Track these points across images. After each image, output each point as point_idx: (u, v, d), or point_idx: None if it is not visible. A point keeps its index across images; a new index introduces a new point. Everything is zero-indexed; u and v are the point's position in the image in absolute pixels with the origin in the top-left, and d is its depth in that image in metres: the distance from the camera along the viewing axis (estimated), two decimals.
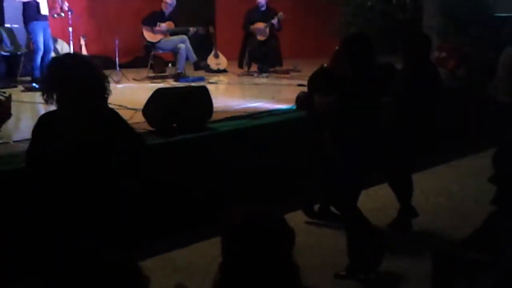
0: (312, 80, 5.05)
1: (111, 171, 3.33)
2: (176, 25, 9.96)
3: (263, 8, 10.44)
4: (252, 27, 10.38)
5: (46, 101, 3.30)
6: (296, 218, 5.46)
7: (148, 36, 9.85)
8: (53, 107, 3.38)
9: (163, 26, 9.82)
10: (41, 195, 3.29)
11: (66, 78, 3.21)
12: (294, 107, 6.81)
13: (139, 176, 3.62)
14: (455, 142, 7.46)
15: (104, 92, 3.31)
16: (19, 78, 9.08)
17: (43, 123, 3.37)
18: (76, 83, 3.19)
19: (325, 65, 5.18)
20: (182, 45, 9.68)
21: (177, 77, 9.55)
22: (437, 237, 5.31)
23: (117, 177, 3.37)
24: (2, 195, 4.30)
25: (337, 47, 5.05)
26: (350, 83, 4.37)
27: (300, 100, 6.83)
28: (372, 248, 4.60)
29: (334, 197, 4.70)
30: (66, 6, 8.85)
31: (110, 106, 3.58)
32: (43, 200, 3.28)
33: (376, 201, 6.04)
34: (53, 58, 3.71)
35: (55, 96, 3.25)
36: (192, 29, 9.96)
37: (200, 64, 10.21)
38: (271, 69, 10.39)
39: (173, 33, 9.90)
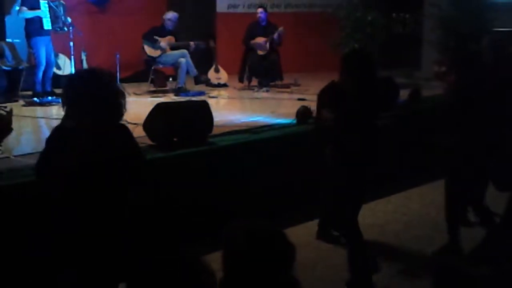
0: (321, 95, 5.06)
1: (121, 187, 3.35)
2: (176, 40, 10.01)
3: (264, 23, 10.49)
4: (252, 41, 10.43)
5: (66, 115, 3.32)
6: (297, 233, 5.46)
7: (149, 50, 9.89)
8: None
9: (163, 43, 9.84)
10: (54, 205, 3.28)
11: (83, 93, 3.23)
12: (294, 121, 6.82)
13: (140, 192, 3.62)
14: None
15: (119, 108, 3.33)
16: (20, 93, 9.11)
17: (58, 135, 3.38)
18: (92, 98, 3.21)
19: (335, 80, 5.19)
20: (182, 60, 9.71)
21: (178, 91, 9.58)
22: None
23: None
24: (2, 209, 4.29)
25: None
26: (349, 98, 4.39)
27: (300, 114, 6.86)
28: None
29: (335, 212, 4.69)
30: (68, 21, 8.89)
31: None
32: (56, 210, 3.28)
33: (376, 216, 6.04)
34: (73, 73, 3.74)
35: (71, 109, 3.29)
36: (192, 44, 10.00)
37: (201, 78, 10.25)
38: (272, 84, 10.41)
39: (174, 48, 9.94)
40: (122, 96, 3.36)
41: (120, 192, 3.35)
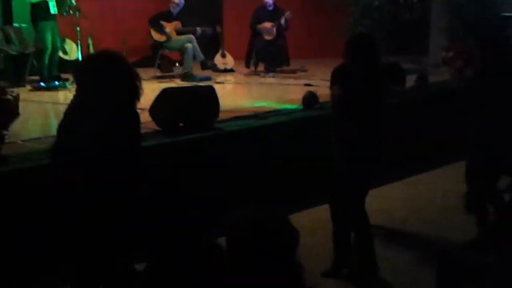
0: (332, 75, 5.06)
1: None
2: (183, 25, 9.99)
3: (271, 8, 10.44)
4: (259, 26, 10.39)
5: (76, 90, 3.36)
6: (303, 219, 5.47)
7: (155, 35, 9.87)
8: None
9: (169, 29, 9.81)
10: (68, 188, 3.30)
11: (103, 76, 3.25)
12: (301, 107, 6.81)
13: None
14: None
15: (137, 90, 3.35)
16: (27, 78, 9.12)
17: (69, 118, 3.39)
18: (112, 81, 3.23)
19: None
20: (189, 45, 9.69)
21: (184, 76, 9.57)
22: (442, 239, 5.30)
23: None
24: (9, 194, 4.31)
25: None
26: (352, 82, 4.37)
27: (307, 99, 6.84)
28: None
29: (340, 198, 4.69)
30: (74, 4, 8.88)
31: None
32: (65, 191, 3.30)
33: (382, 202, 6.04)
34: (90, 56, 3.75)
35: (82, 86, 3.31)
36: (199, 29, 9.97)
37: (207, 64, 10.23)
38: (278, 69, 10.39)
39: (180, 33, 9.92)
40: (138, 78, 3.37)
41: (124, 175, 3.36)
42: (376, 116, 4.45)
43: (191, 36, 9.83)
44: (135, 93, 3.35)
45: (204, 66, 10.15)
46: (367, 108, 4.36)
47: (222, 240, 2.07)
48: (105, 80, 3.23)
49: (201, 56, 9.90)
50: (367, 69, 4.34)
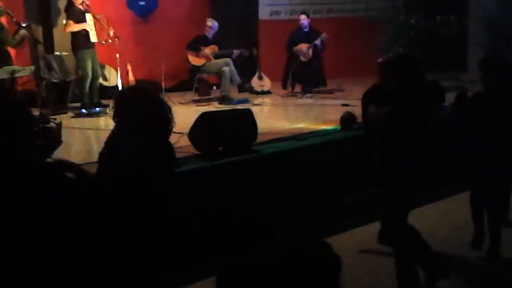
0: (365, 97, 5.06)
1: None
2: (219, 48, 10.09)
3: (306, 29, 10.49)
4: (295, 48, 10.43)
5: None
6: (343, 241, 5.44)
7: (193, 60, 9.99)
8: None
9: (207, 50, 9.96)
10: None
11: (131, 111, 3.38)
12: (339, 128, 6.80)
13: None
14: None
15: (166, 126, 3.43)
16: (68, 105, 9.31)
17: (108, 147, 3.53)
18: (140, 117, 3.34)
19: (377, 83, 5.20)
20: (226, 68, 9.78)
21: (222, 99, 9.64)
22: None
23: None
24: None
25: (379, 60, 5.16)
26: (398, 102, 4.36)
27: (345, 120, 6.83)
28: (425, 270, 4.54)
29: (385, 218, 4.65)
30: (112, 32, 9.06)
31: None
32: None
33: (423, 222, 5.96)
34: (122, 90, 3.91)
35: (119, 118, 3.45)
36: (235, 52, 10.07)
37: (245, 86, 10.30)
38: (315, 90, 10.40)
39: (217, 56, 10.02)
40: (169, 110, 3.45)
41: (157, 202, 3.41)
42: (420, 136, 4.42)
43: (228, 59, 9.92)
44: (167, 125, 3.44)
45: (241, 89, 10.23)
46: (412, 128, 4.34)
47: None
48: (139, 113, 3.35)
49: (238, 79, 9.98)
50: (410, 89, 4.32)
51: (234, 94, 10.09)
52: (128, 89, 4.18)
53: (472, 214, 5.44)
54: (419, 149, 4.38)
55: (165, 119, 3.44)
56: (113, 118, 3.51)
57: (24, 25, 8.47)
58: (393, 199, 4.42)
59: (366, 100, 4.97)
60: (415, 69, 4.37)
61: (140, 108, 3.36)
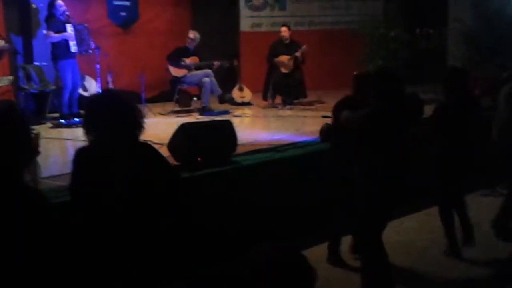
0: (336, 107, 5.10)
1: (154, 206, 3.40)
2: (200, 60, 10.11)
3: (287, 41, 10.54)
4: (276, 60, 10.47)
5: (88, 138, 3.41)
6: (321, 252, 5.44)
7: (173, 71, 9.99)
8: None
9: (188, 61, 9.97)
10: (88, 229, 3.33)
11: (102, 117, 3.32)
12: (319, 139, 6.81)
13: (176, 209, 3.67)
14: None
15: (138, 127, 3.40)
16: (47, 115, 9.25)
17: (83, 158, 3.44)
18: (111, 121, 3.30)
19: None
20: (206, 79, 9.80)
21: (202, 111, 9.65)
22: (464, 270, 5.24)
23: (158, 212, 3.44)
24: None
25: (355, 73, 5.33)
26: (373, 109, 4.38)
27: (325, 132, 6.84)
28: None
29: (358, 231, 4.66)
30: (92, 43, 9.03)
31: None
32: (90, 235, 3.32)
33: (401, 234, 6.00)
34: (91, 98, 3.84)
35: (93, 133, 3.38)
36: (216, 63, 10.09)
37: (225, 97, 10.31)
38: (296, 101, 10.43)
39: (198, 68, 10.03)
40: (139, 112, 3.43)
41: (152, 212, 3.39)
42: (400, 148, 4.44)
43: (209, 71, 9.94)
44: (135, 126, 3.41)
45: (222, 100, 10.24)
46: (388, 135, 4.36)
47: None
48: (102, 114, 3.32)
49: (218, 90, 10.00)
50: (386, 102, 4.35)
51: (215, 105, 10.09)
52: (96, 94, 4.11)
53: (442, 225, 5.54)
54: (397, 162, 4.40)
55: (134, 119, 3.40)
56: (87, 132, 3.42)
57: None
58: (369, 213, 4.43)
59: (338, 110, 5.00)
60: (393, 83, 4.40)
61: (108, 107, 3.33)
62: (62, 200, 4.50)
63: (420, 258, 5.55)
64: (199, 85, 9.99)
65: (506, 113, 5.97)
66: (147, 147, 3.55)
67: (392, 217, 4.96)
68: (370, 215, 4.45)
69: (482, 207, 6.72)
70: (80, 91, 9.56)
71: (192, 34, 10.13)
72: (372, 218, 4.46)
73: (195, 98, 10.32)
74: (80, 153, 3.44)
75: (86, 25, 9.24)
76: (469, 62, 10.37)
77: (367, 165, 4.43)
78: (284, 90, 10.43)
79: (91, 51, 9.09)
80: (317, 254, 5.29)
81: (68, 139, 7.76)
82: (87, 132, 3.39)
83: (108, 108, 3.33)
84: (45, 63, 9.55)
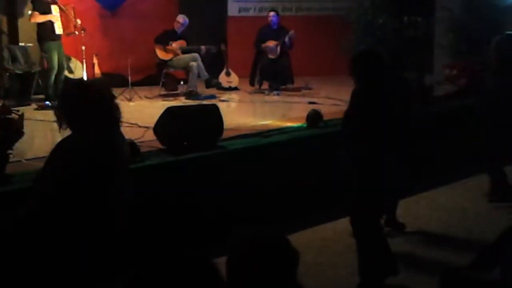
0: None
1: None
2: (188, 44, 10.06)
3: (275, 27, 10.51)
4: (263, 45, 10.44)
5: (60, 127, 3.37)
6: (306, 237, 5.46)
7: (160, 54, 9.94)
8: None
9: (175, 44, 9.93)
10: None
11: (76, 110, 3.29)
12: (305, 125, 6.82)
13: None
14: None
15: (114, 121, 3.36)
16: (32, 97, 9.18)
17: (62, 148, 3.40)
18: (85, 114, 3.26)
19: None
20: (193, 63, 9.76)
21: (189, 95, 9.62)
22: (446, 256, 5.26)
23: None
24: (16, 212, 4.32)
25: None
26: (359, 99, 4.39)
27: (311, 118, 6.85)
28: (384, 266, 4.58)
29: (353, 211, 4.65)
30: (79, 24, 8.95)
31: (124, 124, 3.64)
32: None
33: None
34: (63, 89, 3.77)
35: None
36: (203, 48, 10.04)
37: (212, 82, 10.29)
38: (282, 87, 10.42)
39: (184, 52, 9.99)
40: (116, 108, 3.39)
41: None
42: (391, 133, 4.42)
43: (196, 55, 9.90)
44: (113, 116, 3.36)
45: (208, 84, 10.21)
46: (376, 124, 4.34)
47: (223, 260, 2.08)
48: (77, 114, 3.29)
49: (205, 74, 9.97)
50: (374, 86, 4.35)
51: (202, 89, 10.07)
52: (69, 85, 4.04)
53: None
54: (384, 146, 4.38)
55: (110, 117, 3.35)
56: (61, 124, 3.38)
57: None
58: (362, 197, 4.42)
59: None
60: (375, 65, 4.40)
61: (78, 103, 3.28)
62: None
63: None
64: (186, 69, 9.96)
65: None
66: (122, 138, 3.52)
67: (388, 201, 4.96)
68: (362, 201, 4.43)
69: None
70: (66, 73, 9.48)
71: (181, 19, 10.09)
72: (365, 203, 4.44)
73: (181, 82, 10.29)
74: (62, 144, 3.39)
75: (72, 5, 9.16)
76: (456, 51, 10.41)
77: (351, 148, 4.43)
78: (271, 75, 10.41)
79: (77, 33, 9.00)
80: (304, 238, 5.31)
81: (53, 121, 7.66)
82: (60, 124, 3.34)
83: (85, 101, 3.28)
84: (30, 44, 9.45)
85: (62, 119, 3.36)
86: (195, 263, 1.79)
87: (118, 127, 3.46)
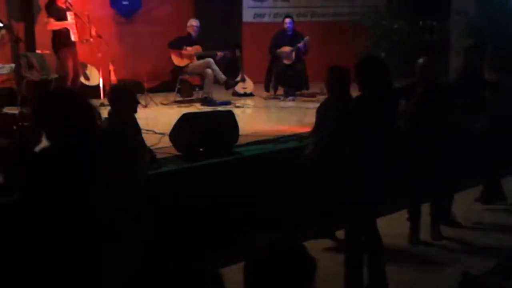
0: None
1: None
2: (203, 49, 10.04)
3: (290, 32, 10.50)
4: (278, 51, 10.44)
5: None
6: (324, 243, 5.44)
7: (176, 60, 9.95)
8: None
9: (190, 49, 9.91)
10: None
11: (58, 113, 3.17)
12: None
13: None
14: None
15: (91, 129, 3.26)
16: None
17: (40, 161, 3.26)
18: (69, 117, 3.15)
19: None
20: (208, 70, 9.75)
21: (204, 101, 9.61)
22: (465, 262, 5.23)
23: None
24: None
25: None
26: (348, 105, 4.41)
27: None
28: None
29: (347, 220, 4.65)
30: (94, 31, 9.00)
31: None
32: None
33: (403, 225, 6.00)
34: (42, 97, 3.64)
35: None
36: (219, 54, 10.02)
37: (230, 82, 10.18)
38: (297, 93, 10.40)
39: (200, 57, 9.97)
40: (94, 111, 3.31)
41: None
42: (381, 141, 4.38)
43: (209, 59, 9.84)
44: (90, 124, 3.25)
45: (228, 85, 10.13)
46: (367, 132, 4.32)
47: (239, 267, 2.07)
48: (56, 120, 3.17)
49: (222, 76, 9.86)
50: (372, 91, 4.35)
51: (217, 95, 10.06)
52: (47, 94, 3.94)
53: None
54: (378, 155, 4.34)
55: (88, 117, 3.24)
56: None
57: (1, 25, 8.39)
58: (353, 206, 4.42)
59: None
60: (374, 71, 4.40)
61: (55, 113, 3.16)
62: None
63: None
64: (201, 75, 9.96)
65: None
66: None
67: (381, 211, 4.94)
68: (353, 210, 4.44)
69: None
70: (82, 79, 9.54)
71: (194, 22, 10.05)
72: (356, 212, 4.44)
73: (197, 89, 10.30)
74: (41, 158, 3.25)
75: (87, 13, 9.21)
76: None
77: (340, 156, 4.43)
78: (286, 81, 10.40)
79: (92, 39, 9.05)
80: (318, 244, 5.29)
81: None
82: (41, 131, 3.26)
83: (64, 110, 3.15)
84: (47, 51, 9.51)
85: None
86: (201, 275, 1.78)
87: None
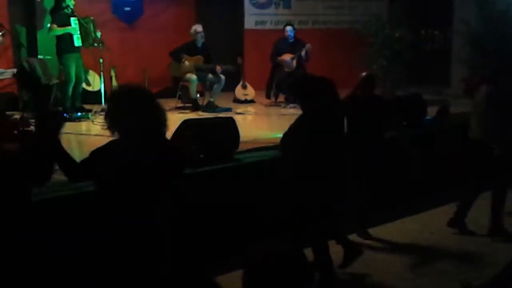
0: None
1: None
2: (206, 60, 9.93)
3: (291, 40, 10.52)
4: (279, 58, 10.45)
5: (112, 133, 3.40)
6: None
7: (174, 71, 9.92)
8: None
9: (188, 64, 9.79)
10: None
11: (125, 113, 3.32)
12: None
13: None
14: None
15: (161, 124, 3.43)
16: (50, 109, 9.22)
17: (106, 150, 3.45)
18: (139, 113, 3.31)
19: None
20: (210, 77, 9.74)
21: (205, 107, 9.61)
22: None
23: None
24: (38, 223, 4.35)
25: (363, 74, 5.79)
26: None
27: None
28: None
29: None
30: (98, 36, 9.02)
31: None
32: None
33: (404, 234, 6.00)
34: (112, 93, 3.76)
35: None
36: (219, 68, 9.81)
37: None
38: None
39: (198, 70, 9.87)
40: (162, 110, 3.47)
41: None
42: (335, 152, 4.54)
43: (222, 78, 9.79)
44: (160, 124, 3.41)
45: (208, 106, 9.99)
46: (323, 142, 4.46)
47: (239, 273, 2.07)
48: (132, 113, 3.31)
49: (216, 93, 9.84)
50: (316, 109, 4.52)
51: (218, 102, 10.05)
52: (121, 89, 4.05)
53: None
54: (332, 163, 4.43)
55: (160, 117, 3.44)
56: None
57: (1, 33, 8.43)
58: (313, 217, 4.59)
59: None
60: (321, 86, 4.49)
61: (137, 106, 3.33)
62: (63, 194, 4.53)
63: (420, 258, 5.54)
64: (202, 82, 9.95)
65: (490, 115, 5.84)
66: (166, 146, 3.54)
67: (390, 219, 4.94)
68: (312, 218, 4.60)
69: None
70: (84, 85, 9.55)
71: (199, 28, 9.97)
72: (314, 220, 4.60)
73: (198, 95, 10.30)
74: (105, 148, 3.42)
75: (91, 18, 9.23)
76: (474, 64, 10.37)
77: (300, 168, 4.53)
78: (287, 88, 10.40)
79: (96, 45, 9.07)
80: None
81: (70, 133, 7.75)
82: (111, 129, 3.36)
83: (137, 106, 3.32)
84: (49, 57, 9.53)
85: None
86: (200, 283, 1.79)
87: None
